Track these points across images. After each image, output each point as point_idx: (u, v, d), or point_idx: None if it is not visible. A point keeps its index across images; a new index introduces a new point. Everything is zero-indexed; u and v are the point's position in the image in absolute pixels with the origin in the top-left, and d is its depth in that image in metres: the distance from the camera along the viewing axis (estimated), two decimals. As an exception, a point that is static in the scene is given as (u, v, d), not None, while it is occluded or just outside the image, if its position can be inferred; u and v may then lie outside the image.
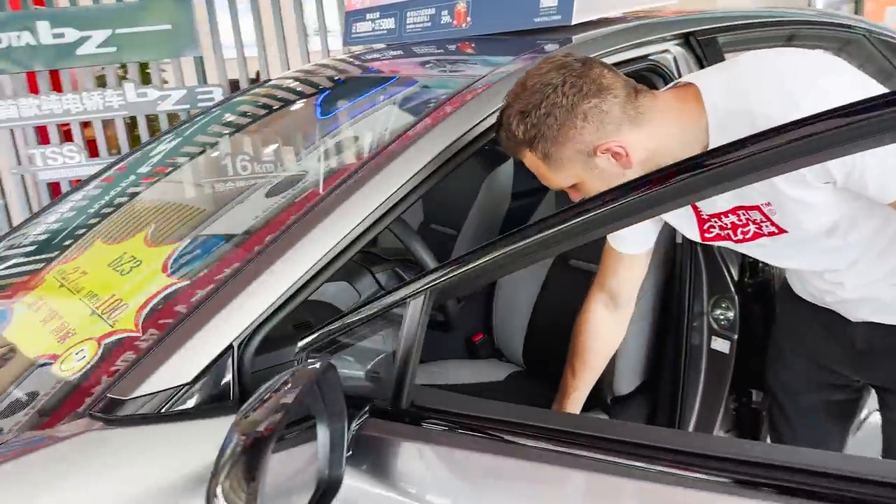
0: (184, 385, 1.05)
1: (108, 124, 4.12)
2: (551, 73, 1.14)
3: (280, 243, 1.18)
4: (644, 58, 1.66)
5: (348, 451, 0.95)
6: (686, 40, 1.71)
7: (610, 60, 1.59)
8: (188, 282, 1.23)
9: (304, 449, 0.94)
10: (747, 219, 1.24)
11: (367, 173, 1.27)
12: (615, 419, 1.85)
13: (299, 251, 1.17)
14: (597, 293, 1.55)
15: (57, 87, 4.02)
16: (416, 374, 0.99)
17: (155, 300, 1.22)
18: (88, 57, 3.88)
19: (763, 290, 1.65)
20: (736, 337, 1.66)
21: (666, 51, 1.69)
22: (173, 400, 1.04)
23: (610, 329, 1.57)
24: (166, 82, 4.63)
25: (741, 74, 1.15)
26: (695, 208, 1.31)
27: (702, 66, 1.69)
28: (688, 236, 1.38)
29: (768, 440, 1.67)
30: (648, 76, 1.67)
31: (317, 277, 1.19)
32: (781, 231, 1.22)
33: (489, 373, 2.12)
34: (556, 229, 0.91)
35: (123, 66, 4.30)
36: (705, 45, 1.71)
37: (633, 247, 1.46)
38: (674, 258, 1.74)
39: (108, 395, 1.04)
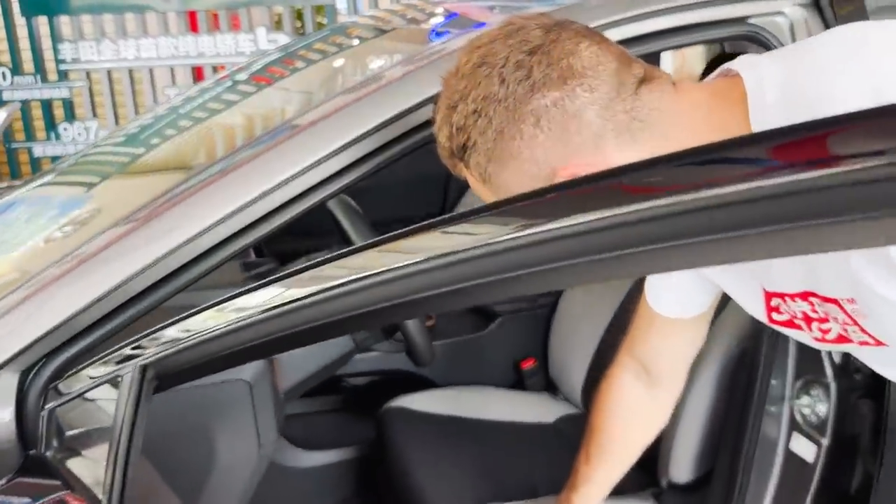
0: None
1: (238, 69, 4.06)
2: (496, 43, 0.71)
3: (97, 239, 0.88)
4: (740, 21, 1.15)
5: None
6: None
7: (681, 21, 1.12)
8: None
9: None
10: (825, 313, 0.75)
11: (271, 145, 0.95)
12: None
13: (117, 253, 0.86)
14: (625, 357, 1.09)
15: (193, 27, 4.00)
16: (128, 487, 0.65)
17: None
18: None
19: (877, 385, 1.11)
20: (826, 443, 1.14)
21: (779, 13, 1.16)
22: None
23: (642, 409, 1.10)
24: (322, 25, 4.49)
25: (813, 68, 0.67)
26: None
27: (831, 38, 1.14)
28: (752, 314, 0.89)
29: None
30: (746, 48, 1.16)
31: (154, 289, 0.88)
32: (878, 343, 0.72)
33: (536, 411, 1.72)
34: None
35: (299, 14, 4.20)
36: (842, 9, 1.15)
37: (669, 306, 0.99)
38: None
39: None
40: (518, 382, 1.88)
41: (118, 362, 0.76)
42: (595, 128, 0.69)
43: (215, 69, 4.01)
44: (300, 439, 1.64)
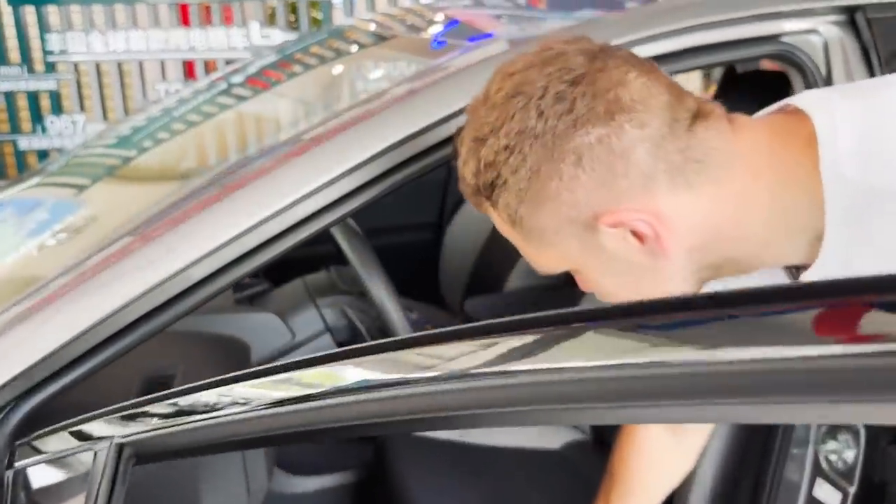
0: None
1: (230, 64, 3.97)
2: (532, 71, 0.63)
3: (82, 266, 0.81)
4: (772, 39, 1.08)
5: None
6: (850, 17, 1.09)
7: (709, 39, 1.05)
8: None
9: None
10: None
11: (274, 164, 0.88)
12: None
13: (107, 279, 0.79)
14: None
15: (185, 20, 3.90)
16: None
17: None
18: (215, -9, 3.73)
19: (911, 432, 1.04)
20: (853, 490, 1.07)
21: (813, 31, 1.09)
22: None
23: (666, 455, 1.04)
24: (318, 20, 4.40)
25: (887, 111, 0.60)
26: None
27: (867, 60, 1.07)
28: None
29: None
30: (763, 66, 1.09)
31: (146, 320, 0.80)
32: None
33: (540, 437, 1.64)
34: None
35: (294, 8, 4.10)
36: (881, 29, 1.09)
37: None
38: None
39: None
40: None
41: (111, 417, 0.68)
42: (645, 168, 0.61)
43: (207, 64, 3.92)
44: (292, 463, 1.56)
